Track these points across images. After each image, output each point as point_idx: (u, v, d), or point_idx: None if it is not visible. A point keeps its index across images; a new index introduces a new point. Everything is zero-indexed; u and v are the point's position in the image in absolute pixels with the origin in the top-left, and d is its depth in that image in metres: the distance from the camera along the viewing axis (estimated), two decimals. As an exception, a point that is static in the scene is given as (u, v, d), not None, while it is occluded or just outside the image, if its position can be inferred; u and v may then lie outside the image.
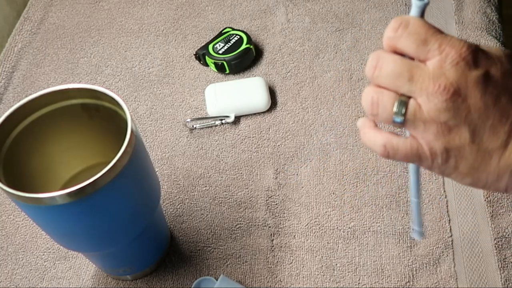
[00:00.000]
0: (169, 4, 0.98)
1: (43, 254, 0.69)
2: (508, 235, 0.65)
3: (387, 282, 0.63)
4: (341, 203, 0.70)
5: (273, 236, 0.68)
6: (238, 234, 0.68)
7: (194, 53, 0.87)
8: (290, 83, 0.84)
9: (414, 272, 0.64)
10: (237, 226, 0.69)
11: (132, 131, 0.50)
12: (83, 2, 1.01)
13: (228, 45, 0.85)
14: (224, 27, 0.90)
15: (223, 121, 0.79)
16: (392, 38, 0.36)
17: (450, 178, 0.39)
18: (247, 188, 0.72)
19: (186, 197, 0.72)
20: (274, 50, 0.88)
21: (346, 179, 0.72)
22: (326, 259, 0.66)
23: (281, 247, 0.67)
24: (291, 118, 0.79)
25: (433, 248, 0.65)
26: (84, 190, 0.47)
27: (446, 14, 0.90)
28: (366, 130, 0.39)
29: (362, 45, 0.87)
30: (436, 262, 0.64)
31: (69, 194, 0.46)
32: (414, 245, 0.66)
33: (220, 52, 0.84)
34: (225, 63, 0.83)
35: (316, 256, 0.66)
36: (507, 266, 0.63)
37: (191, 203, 0.72)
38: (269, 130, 0.78)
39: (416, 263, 0.64)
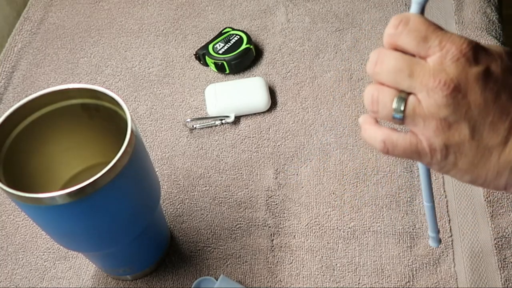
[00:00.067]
0: (169, 4, 0.98)
1: (43, 254, 0.69)
2: (508, 235, 0.65)
3: (387, 282, 0.63)
4: (341, 203, 0.70)
5: (273, 236, 0.68)
6: (238, 234, 0.68)
7: (194, 53, 0.87)
8: (290, 83, 0.84)
9: (414, 272, 0.64)
10: (237, 226, 0.69)
11: (132, 131, 0.50)
12: (83, 2, 1.01)
13: (228, 45, 0.85)
14: (224, 27, 0.90)
15: (223, 121, 0.79)
16: (393, 35, 0.36)
17: (449, 175, 0.39)
18: (247, 188, 0.72)
19: (186, 197, 0.72)
20: (274, 50, 0.88)
21: (346, 179, 0.72)
22: (326, 259, 0.66)
23: (281, 247, 0.67)
24: (291, 118, 0.79)
25: (433, 248, 0.65)
26: (84, 190, 0.47)
27: (446, 14, 0.90)
28: (367, 126, 0.40)
29: (362, 45, 0.87)
30: (436, 262, 0.64)
31: (69, 194, 0.46)
32: (414, 245, 0.66)
33: (220, 52, 0.84)
34: (225, 63, 0.83)
35: (316, 256, 0.66)
36: (507, 266, 0.63)
37: (191, 203, 0.72)
38: (269, 130, 0.78)
39: (416, 263, 0.64)
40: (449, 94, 0.34)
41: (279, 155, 0.76)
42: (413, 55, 0.36)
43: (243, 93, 0.80)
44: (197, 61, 0.88)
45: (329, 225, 0.68)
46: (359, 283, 0.63)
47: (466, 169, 0.37)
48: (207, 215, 0.70)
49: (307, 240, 0.67)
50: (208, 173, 0.74)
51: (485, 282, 0.62)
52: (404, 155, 0.38)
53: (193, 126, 0.79)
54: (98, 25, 0.96)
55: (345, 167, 0.73)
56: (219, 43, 0.86)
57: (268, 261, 0.66)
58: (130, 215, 0.55)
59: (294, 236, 0.68)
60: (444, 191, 0.70)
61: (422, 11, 0.37)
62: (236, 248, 0.67)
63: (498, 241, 0.65)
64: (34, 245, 0.70)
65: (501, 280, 0.62)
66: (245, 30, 0.88)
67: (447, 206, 0.69)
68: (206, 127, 0.79)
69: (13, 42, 0.95)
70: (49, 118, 0.56)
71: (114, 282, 0.66)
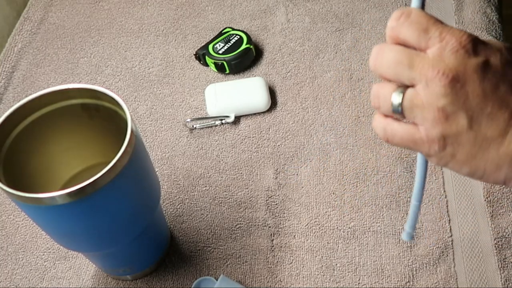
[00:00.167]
0: (169, 4, 0.98)
1: (43, 254, 0.69)
2: (508, 235, 0.65)
3: (387, 282, 0.63)
4: (341, 203, 0.70)
5: (273, 236, 0.68)
6: (238, 234, 0.68)
7: (194, 53, 0.87)
8: (290, 83, 0.84)
9: (414, 272, 0.64)
10: (237, 226, 0.69)
11: (132, 131, 0.50)
12: (83, 2, 1.01)
13: (228, 45, 0.85)
14: (224, 27, 0.90)
15: (223, 121, 0.79)
16: (394, 28, 0.37)
17: (448, 168, 0.39)
18: (247, 188, 0.72)
19: (186, 197, 0.72)
20: (274, 50, 0.88)
21: (346, 179, 0.72)
22: (326, 259, 0.66)
23: (281, 247, 0.67)
24: (291, 118, 0.79)
25: (433, 248, 0.65)
26: (84, 190, 0.47)
27: (446, 14, 0.90)
28: (376, 117, 0.41)
29: (362, 45, 0.87)
30: (436, 262, 0.64)
31: (69, 194, 0.46)
32: (414, 245, 0.66)
33: (220, 52, 0.84)
34: (225, 63, 0.83)
35: (316, 256, 0.66)
36: (507, 266, 0.63)
37: (191, 203, 0.72)
38: (269, 130, 0.78)
39: (416, 263, 0.64)
40: (448, 84, 0.35)
41: (279, 155, 0.76)
42: (414, 49, 0.37)
43: (243, 93, 0.80)
44: (197, 61, 0.88)
45: (329, 225, 0.68)
46: (359, 283, 0.63)
47: (465, 160, 0.37)
48: (207, 215, 0.70)
49: (307, 240, 0.67)
50: (208, 173, 0.74)
51: (485, 282, 0.62)
52: (401, 143, 0.39)
53: (193, 126, 0.79)
54: (98, 25, 0.96)
55: (345, 167, 0.73)
56: (219, 43, 0.86)
57: (268, 261, 0.66)
58: (130, 215, 0.55)
59: (294, 236, 0.68)
60: (444, 191, 0.70)
61: (422, 6, 0.38)
62: (236, 248, 0.67)
63: (498, 241, 0.65)
64: (34, 245, 0.70)
65: (501, 280, 0.62)
66: (245, 30, 0.88)
67: (447, 206, 0.69)
68: (206, 127, 0.79)
69: (13, 42, 0.95)
70: (49, 118, 0.56)
71: (114, 282, 0.66)
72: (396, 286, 0.63)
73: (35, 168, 0.58)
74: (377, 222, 0.68)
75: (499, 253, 0.64)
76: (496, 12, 0.90)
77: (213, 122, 0.79)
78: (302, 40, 0.89)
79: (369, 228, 0.67)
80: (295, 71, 0.85)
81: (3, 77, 0.89)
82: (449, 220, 0.67)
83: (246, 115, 0.80)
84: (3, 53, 0.93)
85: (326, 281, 0.64)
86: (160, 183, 0.65)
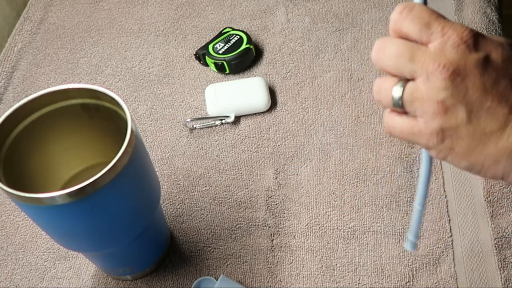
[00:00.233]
0: (169, 4, 0.98)
1: (43, 254, 0.69)
2: (508, 235, 0.65)
3: (387, 282, 0.63)
4: (341, 203, 0.70)
5: (273, 236, 0.68)
6: (238, 234, 0.68)
7: (194, 53, 0.87)
8: (290, 83, 0.84)
9: (414, 272, 0.64)
10: (237, 226, 0.69)
11: (132, 131, 0.50)
12: (83, 2, 1.01)
13: (228, 45, 0.85)
14: (224, 27, 0.90)
15: (223, 121, 0.79)
16: (397, 21, 0.38)
17: (447, 161, 0.39)
18: (247, 188, 0.72)
19: (186, 197, 0.72)
20: (274, 50, 0.88)
21: (346, 179, 0.72)
22: (326, 259, 0.66)
23: (281, 247, 0.67)
24: (291, 118, 0.79)
25: (433, 248, 0.65)
26: (84, 190, 0.47)
27: (446, 14, 0.90)
28: (386, 111, 0.41)
29: (362, 45, 0.87)
30: (436, 262, 0.64)
31: (69, 194, 0.46)
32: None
33: (220, 52, 0.84)
34: (225, 63, 0.83)
35: (316, 256, 0.66)
36: (507, 266, 0.63)
37: (191, 203, 0.72)
38: (269, 130, 0.78)
39: (416, 263, 0.64)
40: (448, 77, 0.35)
41: (279, 155, 0.76)
42: (416, 43, 0.37)
43: (243, 93, 0.80)
44: (197, 61, 0.88)
45: (329, 225, 0.68)
46: (359, 283, 0.63)
47: (463, 154, 0.38)
48: (207, 215, 0.70)
49: (307, 240, 0.67)
50: (208, 173, 0.74)
51: (485, 282, 0.62)
52: (401, 135, 0.39)
53: (193, 126, 0.79)
54: (98, 25, 0.96)
55: (345, 167, 0.73)
56: (219, 43, 0.86)
57: (268, 261, 0.66)
58: (130, 215, 0.55)
59: (294, 236, 0.68)
60: (444, 191, 0.70)
61: (425, 1, 0.38)
62: (236, 248, 0.67)
63: (498, 241, 0.65)
64: (34, 245, 0.70)
65: (501, 280, 0.62)
66: (245, 30, 0.88)
67: (447, 206, 0.69)
68: (206, 127, 0.79)
69: (13, 42, 0.95)
70: (49, 118, 0.56)
71: (114, 282, 0.66)
72: (396, 286, 0.63)
73: (35, 168, 0.58)
74: (377, 222, 0.68)
75: (499, 253, 0.64)
76: (496, 12, 0.90)
77: (213, 122, 0.79)
78: (302, 40, 0.89)
79: (369, 228, 0.67)
80: (295, 71, 0.85)
81: (3, 77, 0.89)
82: (449, 220, 0.67)
83: (246, 115, 0.80)
84: (3, 53, 0.93)
85: (326, 281, 0.64)
86: (160, 183, 0.65)
